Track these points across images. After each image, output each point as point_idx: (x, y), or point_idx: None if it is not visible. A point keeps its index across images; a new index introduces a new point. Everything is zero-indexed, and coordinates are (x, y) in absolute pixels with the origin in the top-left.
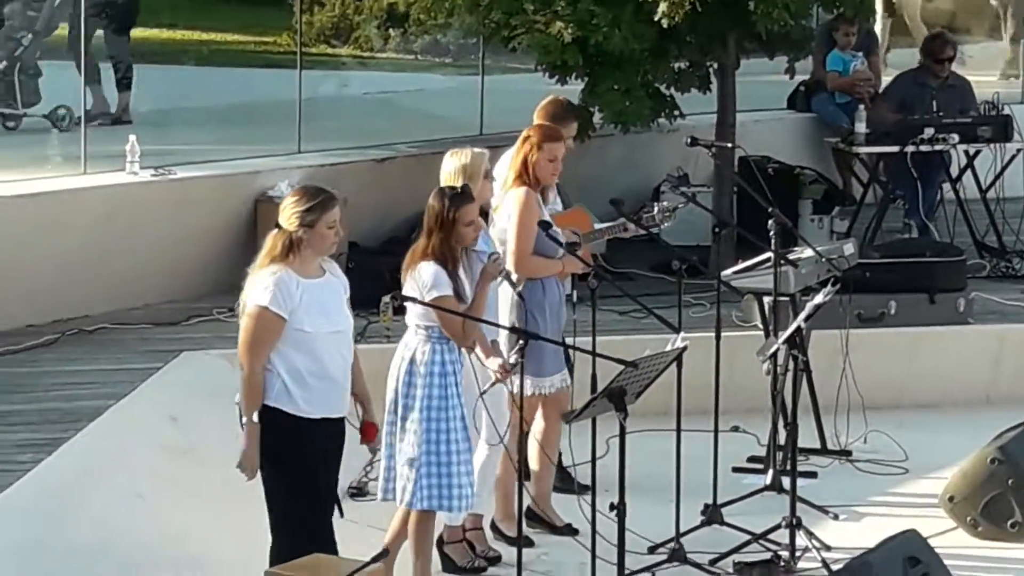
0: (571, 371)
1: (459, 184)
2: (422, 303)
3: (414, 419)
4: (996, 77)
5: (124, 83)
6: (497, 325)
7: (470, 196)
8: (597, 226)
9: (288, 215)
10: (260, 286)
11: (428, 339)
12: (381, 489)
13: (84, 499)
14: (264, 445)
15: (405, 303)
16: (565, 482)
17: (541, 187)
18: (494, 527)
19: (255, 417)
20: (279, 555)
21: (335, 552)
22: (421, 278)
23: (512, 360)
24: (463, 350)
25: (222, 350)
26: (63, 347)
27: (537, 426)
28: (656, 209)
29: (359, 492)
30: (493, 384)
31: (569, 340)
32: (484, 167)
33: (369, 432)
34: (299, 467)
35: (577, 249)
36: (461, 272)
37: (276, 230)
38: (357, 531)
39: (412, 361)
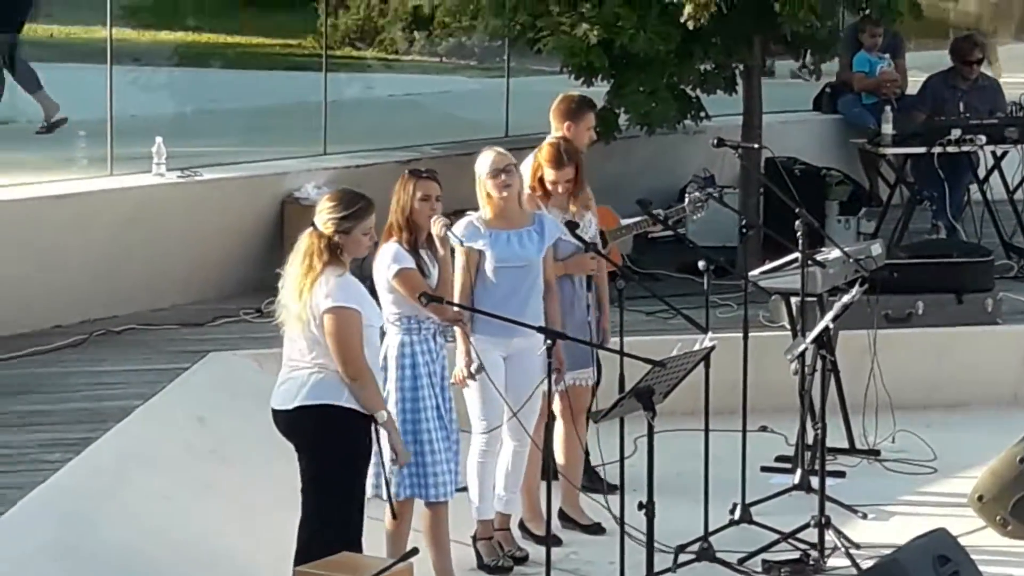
0: (599, 370)
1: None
2: (452, 304)
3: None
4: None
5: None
6: (492, 315)
7: (428, 175)
8: (623, 222)
9: (324, 220)
10: (332, 290)
11: (399, 331)
12: (371, 486)
13: (111, 499)
14: (333, 443)
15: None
16: (594, 481)
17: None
18: (522, 526)
19: (385, 414)
20: (310, 551)
21: (360, 549)
22: (383, 260)
23: (474, 368)
24: (441, 338)
25: (248, 350)
26: (90, 348)
27: (559, 425)
28: (687, 200)
29: None
30: (455, 382)
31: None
32: (504, 163)
33: None
34: (360, 464)
35: (605, 247)
36: (424, 253)
37: (312, 230)
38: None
39: (385, 357)
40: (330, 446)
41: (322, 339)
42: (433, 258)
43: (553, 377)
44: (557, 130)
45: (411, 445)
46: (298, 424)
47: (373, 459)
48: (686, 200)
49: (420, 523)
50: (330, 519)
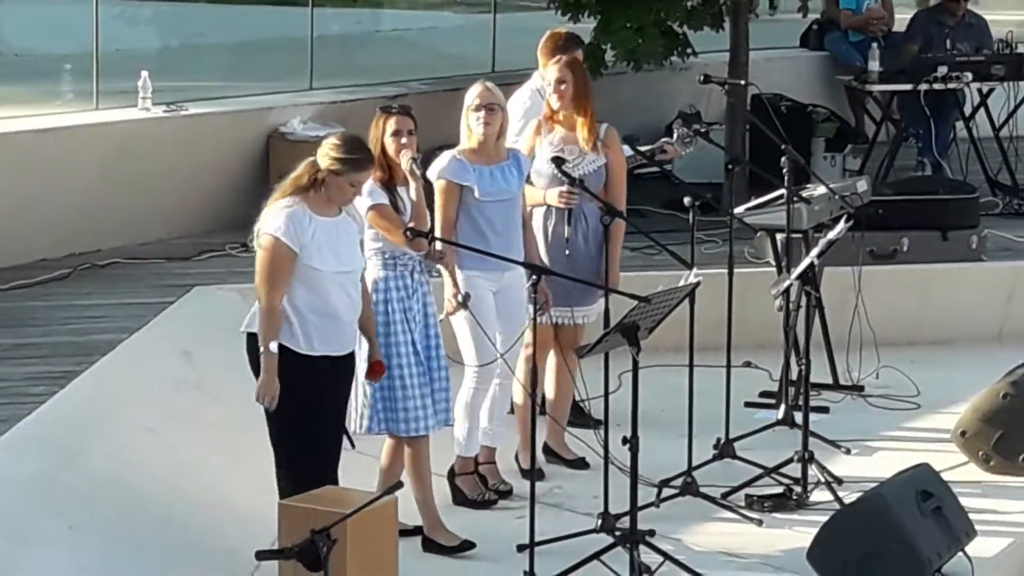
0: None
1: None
2: (437, 239)
3: (364, 346)
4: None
5: None
6: (479, 251)
7: (400, 110)
8: None
9: (323, 153)
10: (274, 217)
11: (379, 266)
12: (353, 421)
13: (97, 432)
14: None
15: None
16: (578, 416)
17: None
18: (517, 459)
19: (273, 347)
20: (282, 492)
21: (334, 481)
22: (360, 197)
23: (461, 298)
24: (419, 274)
25: (234, 285)
26: (76, 281)
27: (551, 360)
28: (675, 136)
29: None
30: (447, 314)
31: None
32: (488, 100)
33: (375, 370)
34: (301, 405)
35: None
36: (402, 190)
37: (310, 159)
38: (370, 464)
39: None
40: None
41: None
42: (410, 195)
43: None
44: (544, 67)
45: (385, 379)
46: (247, 347)
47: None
48: (674, 136)
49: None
50: (283, 457)
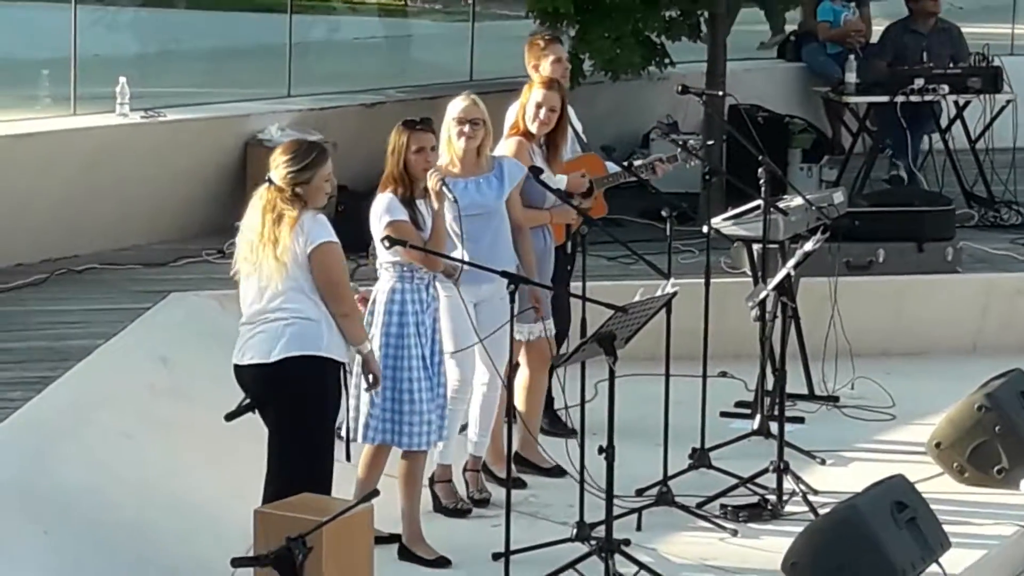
0: (570, 323)
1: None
2: (415, 247)
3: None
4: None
5: None
6: (474, 265)
7: (424, 126)
8: (612, 170)
9: (283, 174)
10: (321, 228)
11: (392, 277)
12: (352, 429)
13: (72, 438)
14: (315, 394)
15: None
16: (555, 425)
17: (537, 138)
18: (485, 468)
19: (367, 346)
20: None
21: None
22: (376, 210)
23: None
24: (433, 289)
25: (211, 291)
26: (52, 287)
27: (522, 373)
28: (679, 150)
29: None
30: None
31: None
32: (472, 115)
33: None
34: (335, 415)
35: (590, 194)
36: (421, 204)
37: (269, 185)
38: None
39: (374, 301)
40: (311, 397)
41: (305, 284)
42: (429, 209)
43: (532, 317)
44: (537, 68)
45: (391, 391)
46: (280, 376)
47: (354, 402)
48: (678, 150)
49: (395, 469)
50: (303, 470)
